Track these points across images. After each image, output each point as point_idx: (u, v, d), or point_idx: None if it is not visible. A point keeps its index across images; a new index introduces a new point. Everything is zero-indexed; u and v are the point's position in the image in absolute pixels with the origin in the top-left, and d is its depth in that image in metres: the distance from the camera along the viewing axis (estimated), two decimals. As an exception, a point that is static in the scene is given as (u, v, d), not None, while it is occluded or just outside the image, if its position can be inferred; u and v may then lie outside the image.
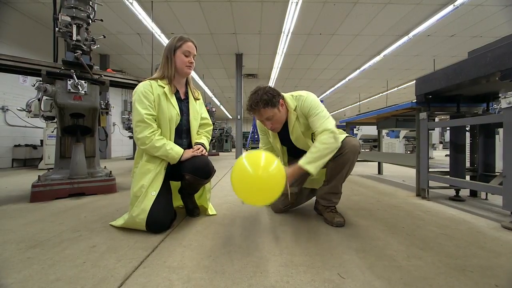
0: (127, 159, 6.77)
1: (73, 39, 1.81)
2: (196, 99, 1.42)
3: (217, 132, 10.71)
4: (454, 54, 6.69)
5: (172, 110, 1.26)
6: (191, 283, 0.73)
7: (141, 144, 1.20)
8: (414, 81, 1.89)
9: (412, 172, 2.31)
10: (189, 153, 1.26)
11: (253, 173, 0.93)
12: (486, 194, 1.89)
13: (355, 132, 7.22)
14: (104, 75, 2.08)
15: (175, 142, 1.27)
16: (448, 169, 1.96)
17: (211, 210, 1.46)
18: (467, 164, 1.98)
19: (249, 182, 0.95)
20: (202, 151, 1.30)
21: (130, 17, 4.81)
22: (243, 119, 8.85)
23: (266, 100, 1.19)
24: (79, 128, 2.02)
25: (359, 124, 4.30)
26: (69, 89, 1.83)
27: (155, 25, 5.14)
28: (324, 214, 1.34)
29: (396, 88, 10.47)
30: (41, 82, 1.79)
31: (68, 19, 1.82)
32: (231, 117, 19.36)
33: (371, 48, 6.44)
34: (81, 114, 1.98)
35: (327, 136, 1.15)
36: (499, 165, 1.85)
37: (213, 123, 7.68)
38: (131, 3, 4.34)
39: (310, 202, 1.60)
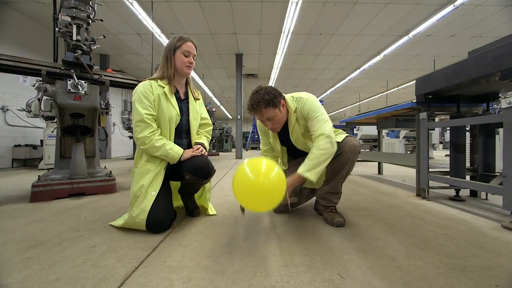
0: (127, 159, 6.77)
1: (73, 39, 1.81)
2: (196, 99, 1.42)
3: (217, 132, 10.71)
4: (454, 54, 6.69)
5: (172, 110, 1.26)
6: (191, 283, 0.73)
7: (141, 144, 1.20)
8: (414, 81, 1.89)
9: (412, 172, 2.31)
10: (188, 153, 1.26)
11: (255, 179, 0.94)
12: (486, 194, 1.89)
13: (355, 132, 7.22)
14: (104, 75, 2.08)
15: (175, 142, 1.27)
16: (448, 169, 1.96)
17: (211, 210, 1.46)
18: (467, 164, 1.98)
19: (250, 188, 0.95)
20: (202, 151, 1.30)
21: (130, 17, 4.81)
22: (243, 119, 8.86)
23: (267, 100, 1.19)
24: (79, 128, 2.02)
25: (359, 124, 4.30)
26: (69, 89, 1.83)
27: (155, 25, 5.14)
28: (324, 214, 1.34)
29: (396, 88, 10.47)
30: (41, 82, 1.79)
31: (68, 19, 1.82)
32: (231, 117, 19.36)
33: (371, 48, 6.44)
34: (81, 114, 1.98)
35: (324, 142, 1.16)
36: (499, 165, 1.85)
37: (213, 123, 7.69)
38: (131, 3, 4.34)
39: (310, 202, 1.60)
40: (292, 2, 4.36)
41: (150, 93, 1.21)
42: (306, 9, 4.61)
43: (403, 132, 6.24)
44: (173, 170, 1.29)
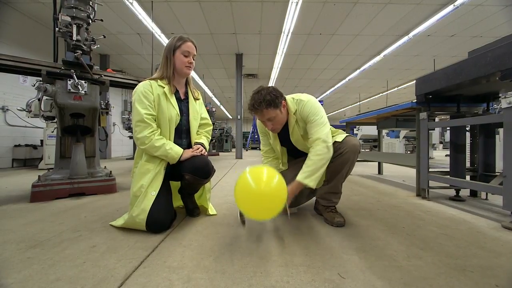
0: (127, 159, 6.77)
1: (73, 39, 1.81)
2: (196, 99, 1.42)
3: (217, 132, 10.71)
4: (454, 54, 6.69)
5: (172, 110, 1.26)
6: (191, 283, 0.73)
7: (140, 144, 1.20)
8: (414, 81, 1.89)
9: (412, 172, 2.31)
10: (188, 153, 1.26)
11: (256, 187, 0.95)
12: (486, 194, 1.89)
13: (355, 132, 7.22)
14: (104, 75, 2.08)
15: (174, 142, 1.27)
16: (448, 169, 1.95)
17: (211, 210, 1.46)
18: (467, 164, 1.98)
19: (251, 195, 0.96)
20: (201, 151, 1.30)
21: (130, 17, 4.81)
22: (243, 119, 8.86)
23: (269, 100, 1.18)
24: (79, 128, 2.02)
25: (359, 124, 4.30)
26: (69, 89, 1.83)
27: (155, 25, 5.14)
28: (324, 214, 1.34)
29: (396, 88, 10.47)
30: (41, 82, 1.79)
31: (68, 19, 1.82)
32: (231, 117, 19.36)
33: (371, 48, 6.44)
34: (81, 114, 1.98)
35: (321, 147, 1.17)
36: (499, 165, 1.85)
37: (213, 123, 7.70)
38: (131, 3, 4.34)
39: (310, 202, 1.60)
40: (292, 2, 4.36)
41: (150, 93, 1.21)
42: (306, 9, 4.61)
43: (403, 132, 6.24)
44: (173, 170, 1.29)
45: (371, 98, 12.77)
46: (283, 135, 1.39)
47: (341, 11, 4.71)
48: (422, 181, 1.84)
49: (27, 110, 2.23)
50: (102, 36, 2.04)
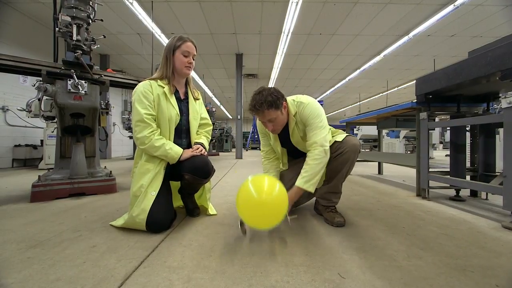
0: (127, 159, 6.78)
1: (73, 39, 1.81)
2: (195, 99, 1.42)
3: (217, 132, 10.71)
4: (454, 54, 6.68)
5: (172, 110, 1.26)
6: (191, 283, 0.73)
7: (140, 143, 1.20)
8: (414, 81, 1.89)
9: (412, 172, 2.30)
10: (188, 153, 1.26)
11: (258, 196, 0.96)
12: (487, 194, 1.89)
13: (355, 132, 7.22)
14: (104, 75, 2.08)
15: (174, 142, 1.27)
16: (448, 169, 1.95)
17: (211, 210, 1.46)
18: (468, 164, 1.98)
19: (253, 205, 0.96)
20: (201, 150, 1.30)
21: (130, 17, 4.81)
22: (243, 119, 8.85)
23: (270, 101, 1.18)
24: (79, 128, 2.02)
25: (359, 124, 4.30)
26: (69, 89, 1.83)
27: (155, 25, 5.14)
28: (324, 214, 1.34)
29: (396, 88, 10.47)
30: (41, 82, 1.79)
31: (68, 19, 1.82)
32: (231, 117, 19.37)
33: (371, 48, 6.44)
34: (81, 114, 1.98)
35: (318, 151, 1.19)
36: (499, 165, 1.85)
37: (213, 123, 7.70)
38: (131, 3, 4.34)
39: (310, 202, 1.60)
40: (292, 2, 4.36)
41: (150, 93, 1.21)
42: (306, 9, 4.61)
43: (403, 132, 6.23)
44: (173, 170, 1.29)
45: (371, 98, 12.77)
46: (284, 136, 1.38)
47: (341, 11, 4.71)
48: (422, 181, 1.84)
49: (27, 110, 2.23)
50: (102, 36, 2.04)
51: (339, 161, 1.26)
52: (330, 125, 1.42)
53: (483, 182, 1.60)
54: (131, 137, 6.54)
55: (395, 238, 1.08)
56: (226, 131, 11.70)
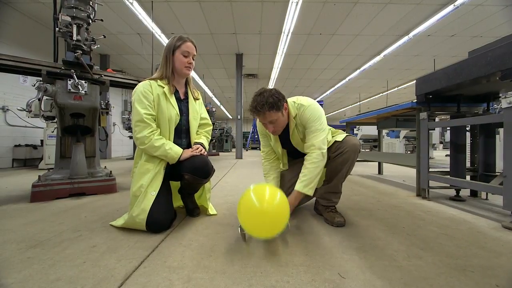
0: (127, 159, 6.78)
1: (73, 39, 1.81)
2: (195, 99, 1.42)
3: (217, 132, 10.70)
4: (454, 54, 6.68)
5: (172, 110, 1.26)
6: (191, 283, 0.73)
7: (140, 143, 1.20)
8: (414, 81, 1.89)
9: (413, 172, 2.30)
10: (188, 152, 1.26)
11: (259, 206, 0.94)
12: (487, 194, 1.89)
13: (355, 132, 7.22)
14: (104, 75, 2.08)
15: (174, 142, 1.27)
16: (448, 169, 1.95)
17: (211, 210, 1.46)
18: (468, 164, 1.98)
19: (255, 215, 0.95)
20: (201, 150, 1.30)
21: (130, 17, 4.81)
22: (243, 119, 8.85)
23: (271, 103, 1.17)
24: (79, 128, 2.02)
25: (359, 124, 4.29)
26: (69, 89, 1.83)
27: (155, 25, 5.14)
28: (324, 214, 1.34)
29: (396, 88, 10.47)
30: (41, 82, 1.79)
31: (68, 19, 1.82)
32: (231, 117, 19.37)
33: (371, 48, 6.43)
34: (81, 114, 1.98)
35: (315, 154, 1.20)
36: (499, 165, 1.85)
37: (213, 123, 7.70)
38: (131, 3, 4.34)
39: (310, 202, 1.60)
40: (292, 2, 4.36)
41: (150, 93, 1.21)
42: (306, 9, 4.61)
43: (403, 132, 6.24)
44: (173, 170, 1.29)
45: (371, 98, 12.77)
46: (284, 137, 1.38)
47: (341, 11, 4.71)
48: (422, 181, 1.84)
49: (27, 110, 2.23)
50: (102, 36, 2.04)
51: (339, 161, 1.26)
52: (330, 125, 1.43)
53: (483, 182, 1.60)
54: (131, 137, 6.54)
55: (395, 238, 1.08)
56: (226, 131, 11.70)
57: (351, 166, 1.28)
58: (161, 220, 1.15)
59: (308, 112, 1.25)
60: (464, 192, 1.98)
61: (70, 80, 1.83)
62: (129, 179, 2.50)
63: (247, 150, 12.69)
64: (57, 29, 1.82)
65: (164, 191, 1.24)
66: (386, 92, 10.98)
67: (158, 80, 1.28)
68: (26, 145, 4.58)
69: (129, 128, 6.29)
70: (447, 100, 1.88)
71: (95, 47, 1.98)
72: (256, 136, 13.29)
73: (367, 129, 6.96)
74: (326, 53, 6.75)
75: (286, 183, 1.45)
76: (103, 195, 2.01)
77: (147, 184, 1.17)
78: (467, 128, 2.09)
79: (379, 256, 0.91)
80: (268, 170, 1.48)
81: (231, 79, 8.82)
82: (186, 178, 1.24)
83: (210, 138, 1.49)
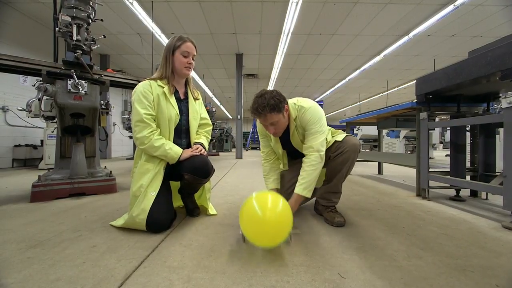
0: (127, 159, 6.78)
1: (73, 39, 1.81)
2: (195, 99, 1.42)
3: (217, 132, 10.70)
4: (454, 54, 6.68)
5: (172, 110, 1.26)
6: (191, 283, 0.73)
7: (140, 143, 1.20)
8: (414, 81, 1.89)
9: (413, 172, 2.30)
10: (188, 152, 1.26)
11: (262, 216, 0.92)
12: (487, 194, 1.89)
13: (355, 132, 7.22)
14: (104, 75, 2.08)
15: (174, 142, 1.27)
16: (448, 169, 1.95)
17: (211, 210, 1.46)
18: (468, 164, 1.98)
19: (258, 225, 0.92)
20: (201, 150, 1.30)
21: (130, 17, 4.81)
22: (243, 119, 8.85)
23: (273, 105, 1.16)
24: (79, 128, 2.02)
25: (359, 124, 4.30)
26: (69, 89, 1.83)
27: (155, 25, 5.14)
28: (324, 214, 1.34)
29: (396, 88, 10.47)
30: (41, 82, 1.79)
31: (68, 19, 1.82)
32: (231, 117, 19.36)
33: (371, 48, 6.43)
34: (81, 114, 1.98)
35: (314, 157, 1.21)
36: (499, 165, 1.85)
37: (213, 123, 7.70)
38: (131, 3, 4.34)
39: (310, 202, 1.60)
40: (292, 2, 4.36)
41: (150, 93, 1.21)
42: (306, 9, 4.61)
43: (403, 132, 6.24)
44: (173, 170, 1.29)
45: (371, 98, 12.77)
46: (285, 139, 1.38)
47: (341, 11, 4.71)
48: (422, 181, 1.84)
49: (27, 110, 2.23)
50: (102, 36, 2.04)
51: (339, 161, 1.26)
52: (329, 125, 1.43)
53: (483, 182, 1.60)
54: (131, 137, 6.54)
55: (395, 238, 1.08)
56: (226, 131, 11.70)
57: (351, 166, 1.28)
58: (161, 220, 1.15)
59: (309, 114, 1.25)
60: (464, 192, 1.98)
61: (70, 80, 1.83)
62: (129, 179, 2.50)
63: (247, 150, 12.69)
64: (57, 29, 1.82)
65: (164, 191, 1.24)
66: (386, 92, 10.98)
67: (158, 80, 1.27)
68: (26, 145, 4.58)
69: (129, 128, 6.29)
70: (447, 100, 1.88)
71: (95, 47, 1.98)
72: (256, 136, 13.29)
73: (367, 129, 6.96)
74: (326, 53, 6.75)
75: (286, 183, 1.45)
76: (103, 195, 2.01)
77: (147, 184, 1.17)
78: (467, 128, 2.09)
79: (379, 256, 0.91)
80: (268, 171, 1.48)
81: (231, 79, 8.82)
82: (186, 178, 1.24)
83: (210, 138, 1.49)
